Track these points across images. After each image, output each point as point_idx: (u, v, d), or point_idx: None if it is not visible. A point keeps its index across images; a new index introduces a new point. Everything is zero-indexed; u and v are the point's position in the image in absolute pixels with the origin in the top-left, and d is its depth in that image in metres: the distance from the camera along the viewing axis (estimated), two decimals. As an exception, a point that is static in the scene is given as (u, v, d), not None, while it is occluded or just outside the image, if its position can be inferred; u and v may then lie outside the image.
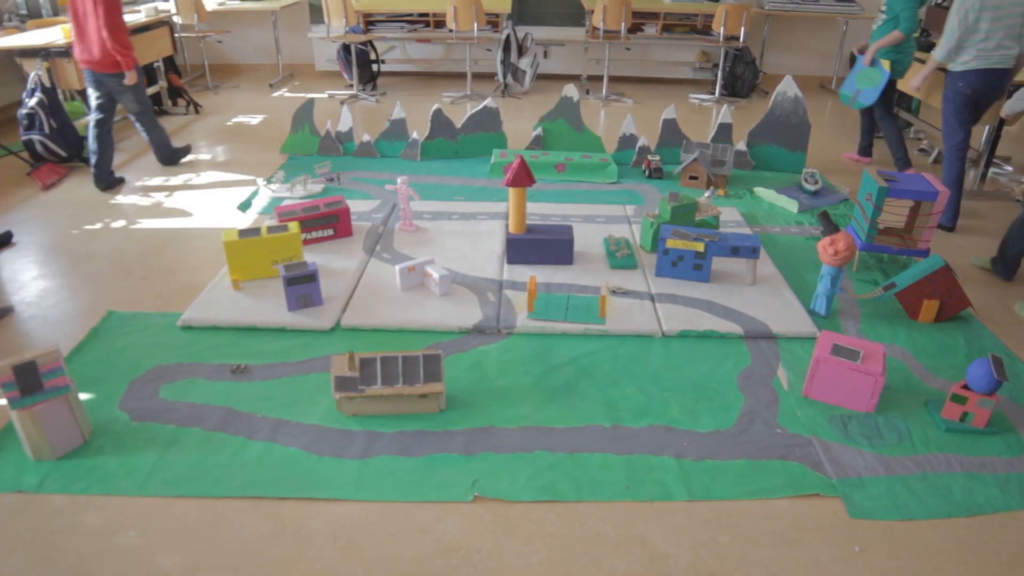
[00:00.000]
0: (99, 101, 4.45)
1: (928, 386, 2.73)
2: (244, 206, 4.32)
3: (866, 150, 5.36)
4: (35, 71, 4.85)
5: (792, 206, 4.34)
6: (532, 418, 2.50)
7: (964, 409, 2.48)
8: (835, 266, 3.05)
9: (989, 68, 3.95)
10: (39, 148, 4.80)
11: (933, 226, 3.43)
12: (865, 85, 4.94)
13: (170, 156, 4.97)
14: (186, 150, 5.14)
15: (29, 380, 2.20)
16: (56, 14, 6.25)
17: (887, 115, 4.98)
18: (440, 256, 3.56)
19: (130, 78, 4.35)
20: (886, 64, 4.78)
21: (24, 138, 4.80)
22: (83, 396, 2.56)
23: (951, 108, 4.13)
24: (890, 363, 2.85)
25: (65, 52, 4.91)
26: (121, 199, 4.45)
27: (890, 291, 3.18)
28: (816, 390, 2.62)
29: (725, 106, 5.04)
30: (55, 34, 5.23)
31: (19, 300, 3.29)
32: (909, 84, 4.55)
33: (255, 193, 4.49)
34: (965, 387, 2.49)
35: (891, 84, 4.89)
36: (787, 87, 4.82)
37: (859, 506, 2.16)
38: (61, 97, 4.97)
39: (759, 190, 4.56)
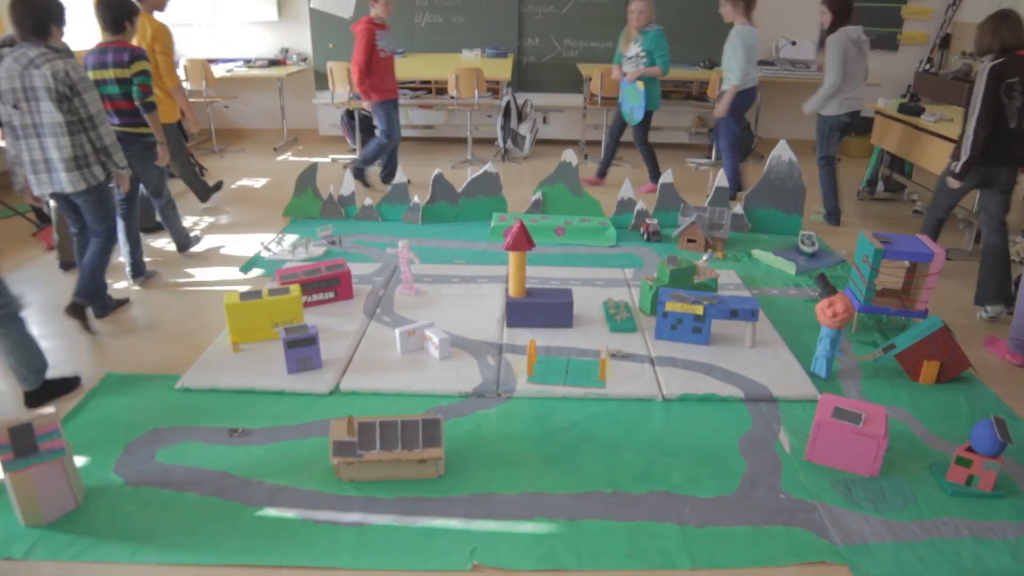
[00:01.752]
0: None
1: (932, 448, 2.71)
2: (246, 268, 4.35)
3: (603, 173, 6.32)
4: None
5: (790, 268, 4.37)
6: (532, 484, 2.47)
7: (969, 472, 2.46)
8: (834, 328, 3.05)
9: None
10: (45, 209, 4.87)
11: (931, 287, 3.45)
12: (634, 102, 5.77)
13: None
14: (218, 186, 5.42)
15: (24, 442, 2.19)
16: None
17: (646, 142, 6.02)
18: (440, 319, 3.57)
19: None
20: (640, 85, 5.64)
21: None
22: (78, 459, 2.53)
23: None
24: (893, 425, 2.83)
25: None
26: (125, 260, 4.48)
27: (890, 353, 3.18)
28: (819, 454, 2.59)
29: (721, 170, 5.12)
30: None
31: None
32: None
33: (257, 255, 4.53)
34: (969, 449, 2.47)
35: (647, 116, 5.80)
36: (782, 151, 4.92)
37: (867, 574, 2.12)
38: None
39: (757, 252, 4.60)
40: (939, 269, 3.43)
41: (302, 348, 3.05)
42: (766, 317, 3.68)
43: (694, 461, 2.60)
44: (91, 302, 3.58)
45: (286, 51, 7.89)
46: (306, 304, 3.68)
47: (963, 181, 3.88)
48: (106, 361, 3.29)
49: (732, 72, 5.32)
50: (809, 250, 4.54)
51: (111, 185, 3.61)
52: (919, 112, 5.44)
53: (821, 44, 5.54)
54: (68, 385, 3.03)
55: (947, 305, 4.01)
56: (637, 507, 2.37)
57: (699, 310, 3.32)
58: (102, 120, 3.32)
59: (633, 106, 5.82)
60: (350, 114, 7.10)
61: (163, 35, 4.68)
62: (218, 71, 7.32)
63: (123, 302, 3.86)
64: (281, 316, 3.32)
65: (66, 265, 4.30)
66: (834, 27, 4.91)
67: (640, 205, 5.02)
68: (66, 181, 3.31)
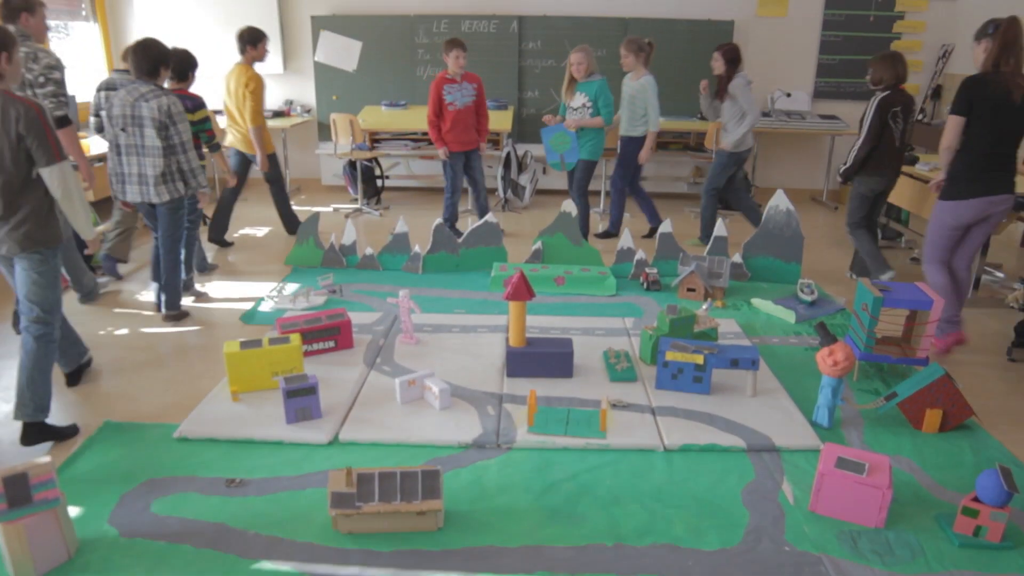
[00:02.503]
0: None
1: (937, 498, 2.67)
2: (247, 317, 4.35)
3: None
4: None
5: (790, 317, 4.37)
6: (533, 537, 2.43)
7: (976, 523, 2.42)
8: (835, 377, 3.05)
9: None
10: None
11: (931, 335, 3.45)
12: (561, 149, 5.75)
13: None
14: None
15: (18, 492, 2.16)
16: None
17: (625, 186, 6.01)
18: (440, 369, 3.56)
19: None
20: (572, 128, 5.67)
21: None
22: (72, 509, 2.50)
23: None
24: (897, 475, 2.80)
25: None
26: (125, 309, 4.49)
27: (892, 401, 3.16)
28: (823, 505, 2.56)
29: (720, 219, 5.17)
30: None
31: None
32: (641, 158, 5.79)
33: (258, 304, 4.54)
34: (975, 499, 2.44)
35: (590, 166, 5.77)
36: (779, 201, 4.97)
37: (874, 630, 2.07)
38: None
39: (756, 301, 4.61)
40: (938, 317, 3.43)
41: (301, 398, 3.03)
42: (767, 366, 3.67)
43: (697, 513, 2.57)
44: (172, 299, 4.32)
45: (290, 103, 8.05)
46: (306, 353, 3.67)
47: (845, 182, 4.94)
48: (105, 408, 3.27)
49: (650, 121, 5.70)
50: (808, 298, 4.55)
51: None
52: (914, 161, 5.52)
53: (718, 94, 5.72)
54: (64, 434, 3.02)
55: (947, 354, 4.00)
56: (640, 560, 2.33)
57: (699, 359, 3.31)
58: (190, 147, 4.02)
59: (562, 152, 5.77)
60: (352, 164, 7.20)
61: (254, 82, 5.52)
62: (222, 122, 7.44)
63: (202, 294, 4.73)
64: (281, 365, 3.31)
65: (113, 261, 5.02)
66: None
67: (640, 255, 5.05)
68: (154, 193, 3.99)
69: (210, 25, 7.71)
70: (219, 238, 5.85)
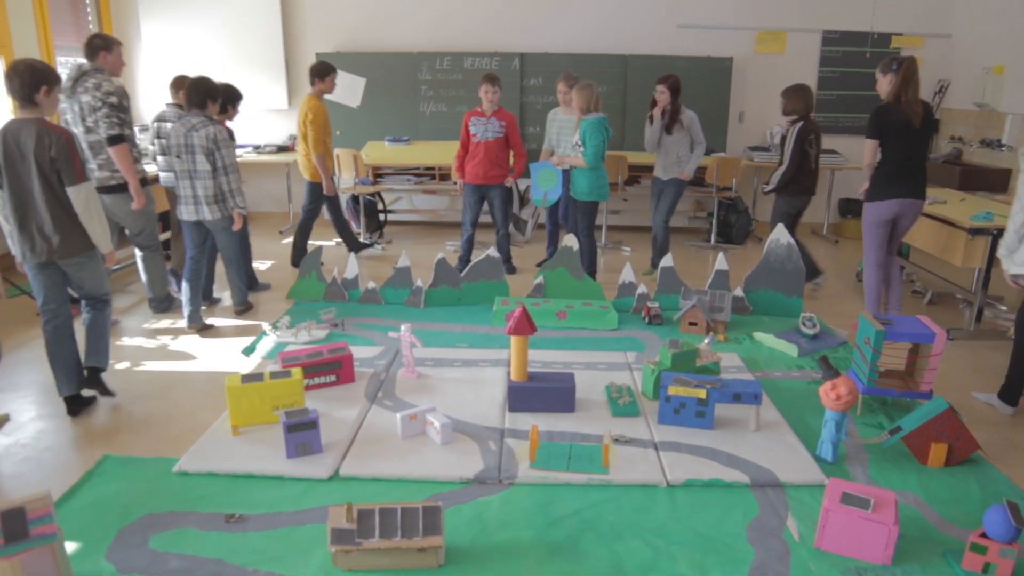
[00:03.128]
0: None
1: (945, 534, 2.64)
2: (248, 350, 4.35)
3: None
4: None
5: (792, 350, 4.36)
6: (535, 573, 2.40)
7: (985, 559, 2.39)
8: (838, 411, 3.03)
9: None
10: None
11: (934, 368, 3.44)
12: (547, 186, 5.78)
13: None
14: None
15: (15, 527, 2.14)
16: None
17: (590, 235, 5.70)
18: (442, 403, 3.55)
19: (136, 202, 4.65)
20: (557, 165, 5.72)
21: None
22: (69, 545, 2.47)
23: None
24: (903, 511, 2.77)
25: None
26: (127, 340, 4.50)
27: (896, 435, 3.14)
28: (828, 541, 2.53)
29: (721, 253, 5.18)
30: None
31: (15, 441, 3.26)
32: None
33: (260, 338, 4.54)
34: (983, 535, 2.41)
35: (591, 207, 5.59)
36: (779, 235, 4.99)
37: (883, 670, 2.03)
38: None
39: (758, 335, 4.61)
40: (941, 350, 3.42)
41: (302, 432, 3.02)
42: (769, 400, 3.66)
43: (701, 549, 2.54)
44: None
45: (294, 137, 8.13)
46: (307, 387, 3.66)
47: (777, 194, 5.48)
48: (104, 441, 3.26)
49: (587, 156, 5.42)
50: (810, 332, 4.55)
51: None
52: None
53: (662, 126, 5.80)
54: (111, 392, 3.67)
55: (950, 386, 3.99)
56: (643, 598, 2.29)
57: (702, 394, 3.30)
58: (232, 170, 4.59)
59: (546, 190, 5.80)
60: (355, 199, 7.25)
61: (313, 112, 5.88)
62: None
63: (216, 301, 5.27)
64: (282, 399, 3.30)
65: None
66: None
67: (641, 289, 5.06)
68: (207, 212, 4.59)
69: (219, 60, 7.83)
70: (299, 261, 6.03)
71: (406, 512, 2.39)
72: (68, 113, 4.53)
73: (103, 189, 4.50)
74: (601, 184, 5.51)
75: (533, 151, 7.95)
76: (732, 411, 3.48)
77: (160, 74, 7.59)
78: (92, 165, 4.51)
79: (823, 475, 2.96)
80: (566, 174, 5.83)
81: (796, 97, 5.27)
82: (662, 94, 5.74)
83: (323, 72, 5.92)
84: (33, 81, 3.25)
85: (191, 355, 4.30)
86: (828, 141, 7.87)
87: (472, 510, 2.74)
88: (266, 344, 4.45)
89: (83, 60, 4.56)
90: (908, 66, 4.34)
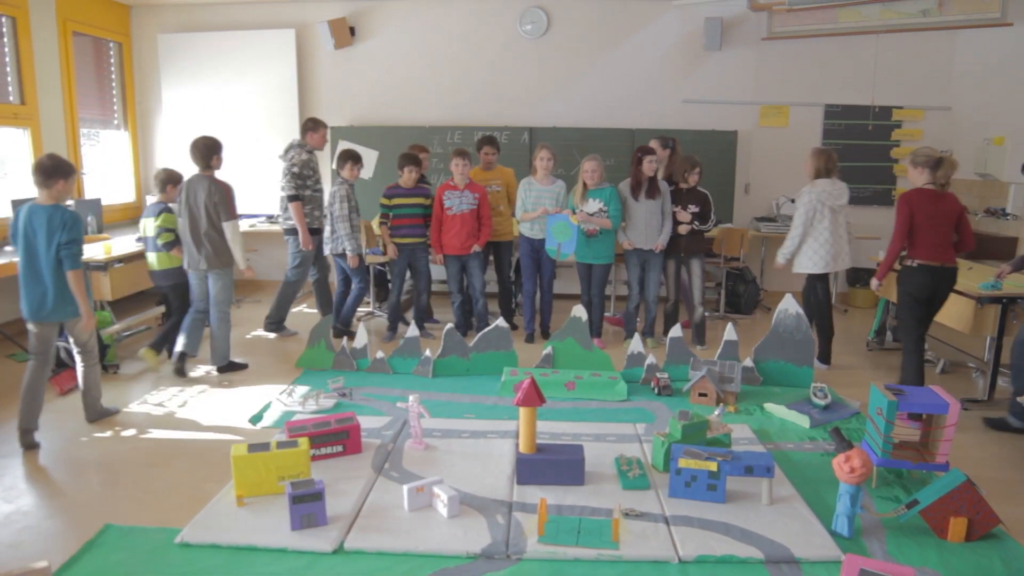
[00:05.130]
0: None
1: (967, 617, 2.55)
2: (255, 419, 4.34)
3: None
4: None
5: (804, 421, 4.31)
6: (543, 653, 2.33)
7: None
8: (853, 484, 2.98)
9: None
10: (63, 355, 4.94)
11: (949, 439, 3.39)
12: (562, 238, 5.78)
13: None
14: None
15: (16, 606, 2.12)
16: (100, 231, 6.80)
17: (602, 292, 5.99)
18: (449, 475, 3.51)
19: (302, 244, 6.09)
20: (574, 219, 5.69)
21: None
22: (68, 625, 2.42)
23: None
24: (923, 591, 2.69)
25: (103, 266, 5.40)
26: (135, 408, 4.49)
27: (913, 509, 3.07)
28: (847, 622, 2.45)
29: (729, 324, 5.18)
30: (96, 250, 5.63)
31: (16, 509, 3.23)
32: None
33: (267, 406, 4.53)
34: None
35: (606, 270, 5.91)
36: (788, 304, 4.99)
37: None
38: (92, 307, 5.20)
39: (769, 406, 4.56)
40: (955, 420, 3.38)
41: (307, 504, 2.98)
42: (782, 472, 3.59)
43: (715, 629, 2.46)
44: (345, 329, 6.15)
45: (308, 207, 8.29)
46: (314, 457, 3.63)
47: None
48: (106, 510, 3.22)
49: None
50: (822, 402, 4.50)
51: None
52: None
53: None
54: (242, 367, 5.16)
55: (967, 457, 3.91)
56: None
57: (713, 466, 3.25)
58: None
59: (560, 241, 5.77)
60: (367, 269, 7.31)
61: (509, 179, 6.38)
62: (242, 226, 7.65)
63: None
64: (288, 470, 3.27)
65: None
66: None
67: (650, 360, 5.04)
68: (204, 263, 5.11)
69: (236, 132, 8.05)
70: (344, 329, 6.23)
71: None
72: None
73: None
74: (612, 248, 5.87)
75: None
76: (744, 484, 3.42)
77: (180, 142, 7.79)
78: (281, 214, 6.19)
79: (839, 550, 2.89)
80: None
81: (821, 161, 5.48)
82: (650, 162, 5.73)
83: (347, 158, 6.04)
84: (208, 153, 4.98)
85: (198, 423, 4.28)
86: (834, 212, 7.96)
87: (479, 586, 2.68)
88: (274, 413, 4.43)
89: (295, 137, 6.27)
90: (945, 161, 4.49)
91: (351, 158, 5.98)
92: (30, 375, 3.98)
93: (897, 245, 4.63)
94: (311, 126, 6.11)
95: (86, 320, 4.00)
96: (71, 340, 4.17)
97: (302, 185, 5.99)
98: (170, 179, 5.29)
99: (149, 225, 5.25)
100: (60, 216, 3.82)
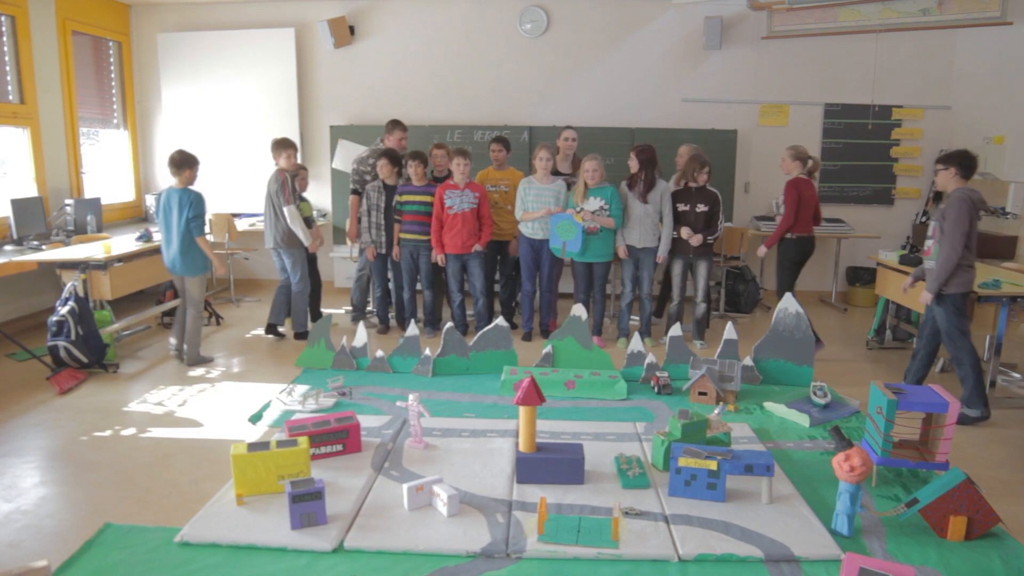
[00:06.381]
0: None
1: (967, 616, 2.55)
2: (255, 418, 4.33)
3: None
4: (72, 282, 5.16)
5: (803, 420, 4.31)
6: (543, 652, 2.33)
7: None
8: (852, 483, 2.97)
9: None
10: (62, 354, 4.95)
11: (949, 438, 3.39)
12: (566, 236, 5.79)
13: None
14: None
15: (15, 605, 2.13)
16: (100, 230, 6.79)
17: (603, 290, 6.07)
18: (449, 474, 3.51)
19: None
20: (578, 218, 5.73)
21: (50, 344, 4.97)
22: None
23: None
24: (923, 590, 2.69)
25: (103, 265, 5.35)
26: (134, 407, 4.49)
27: (913, 508, 3.07)
28: (847, 620, 2.45)
29: (729, 323, 5.18)
30: (95, 249, 5.62)
31: (15, 508, 3.22)
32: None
33: (267, 405, 4.52)
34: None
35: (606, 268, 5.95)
36: (788, 304, 4.99)
37: None
38: (92, 306, 5.24)
39: (769, 405, 4.56)
40: (955, 419, 3.38)
41: (307, 503, 2.98)
42: (782, 471, 3.59)
43: (714, 628, 2.46)
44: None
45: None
46: (314, 456, 3.63)
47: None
48: (106, 509, 3.22)
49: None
50: (822, 401, 4.50)
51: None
52: (919, 262, 5.55)
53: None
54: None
55: (967, 456, 3.91)
56: None
57: (713, 465, 3.25)
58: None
59: (565, 240, 5.78)
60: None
61: (518, 180, 6.22)
62: (241, 224, 7.67)
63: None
64: (288, 469, 3.27)
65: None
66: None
67: (650, 358, 5.04)
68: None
69: (234, 131, 8.06)
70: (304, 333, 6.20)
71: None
72: None
73: None
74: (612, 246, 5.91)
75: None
76: (744, 483, 3.42)
77: (180, 141, 7.79)
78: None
79: (839, 549, 2.89)
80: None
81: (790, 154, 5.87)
82: (633, 161, 5.79)
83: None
84: (278, 149, 5.79)
85: (197, 422, 4.28)
86: (833, 210, 7.98)
87: (479, 585, 2.68)
88: (273, 412, 4.43)
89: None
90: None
91: (388, 156, 6.19)
92: (178, 311, 5.54)
93: (789, 220, 5.70)
94: (388, 128, 6.50)
95: (217, 267, 5.40)
96: (183, 295, 5.41)
97: (359, 183, 6.38)
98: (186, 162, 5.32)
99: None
100: (188, 197, 5.12)
